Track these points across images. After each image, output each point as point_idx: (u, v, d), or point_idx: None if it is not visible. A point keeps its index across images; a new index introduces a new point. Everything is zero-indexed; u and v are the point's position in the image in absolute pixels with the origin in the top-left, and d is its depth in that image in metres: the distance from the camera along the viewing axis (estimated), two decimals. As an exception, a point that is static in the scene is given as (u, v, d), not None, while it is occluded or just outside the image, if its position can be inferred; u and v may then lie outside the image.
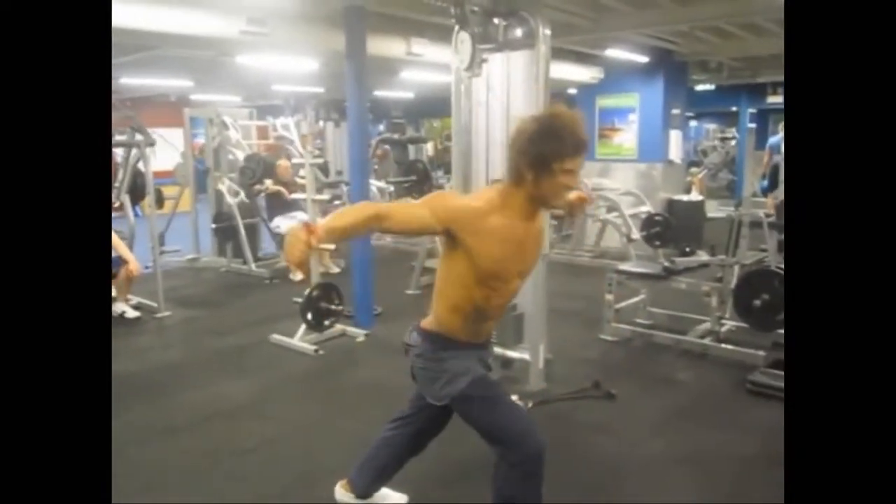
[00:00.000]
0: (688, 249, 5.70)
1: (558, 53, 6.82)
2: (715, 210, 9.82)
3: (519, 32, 3.75)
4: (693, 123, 17.33)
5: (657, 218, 7.17)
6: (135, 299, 5.75)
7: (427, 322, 2.17)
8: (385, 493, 2.62)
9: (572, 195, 2.16)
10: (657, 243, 7.05)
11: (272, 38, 5.05)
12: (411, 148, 10.11)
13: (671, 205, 8.29)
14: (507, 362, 3.94)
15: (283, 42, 5.42)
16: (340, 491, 2.62)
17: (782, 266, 4.40)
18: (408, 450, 2.47)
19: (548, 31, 3.60)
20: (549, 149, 1.84)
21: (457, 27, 3.70)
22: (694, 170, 13.51)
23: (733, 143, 15.52)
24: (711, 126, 17.22)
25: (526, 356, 3.87)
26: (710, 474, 3.04)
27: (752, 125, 15.40)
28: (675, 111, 8.69)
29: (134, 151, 5.77)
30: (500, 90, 3.80)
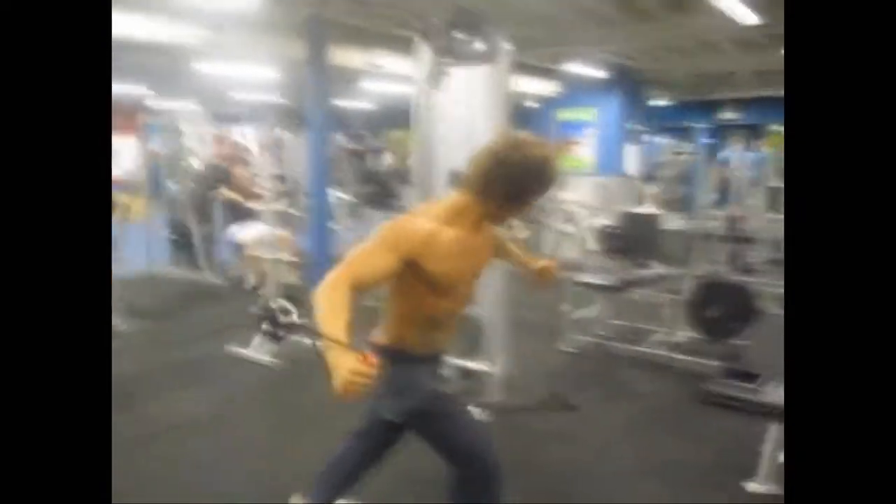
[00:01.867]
0: (644, 261, 5.79)
1: (519, 67, 6.91)
2: (670, 223, 10.00)
3: (480, 46, 3.78)
4: (649, 138, 17.69)
5: (614, 230, 7.28)
6: (85, 310, 5.59)
7: (377, 335, 2.11)
8: (343, 505, 2.60)
9: (542, 263, 2.25)
10: (614, 255, 7.15)
11: (231, 45, 5.01)
12: (372, 158, 10.09)
13: (628, 217, 8.42)
14: (466, 373, 3.94)
15: (243, 50, 5.37)
16: (298, 504, 2.59)
17: (733, 277, 4.52)
18: (364, 464, 2.44)
19: (508, 46, 3.65)
20: (532, 187, 1.82)
21: (418, 40, 3.72)
22: (650, 183, 13.80)
23: (688, 157, 15.87)
24: (667, 141, 17.59)
25: (485, 367, 3.89)
26: (667, 484, 3.09)
27: (706, 140, 15.81)
28: (632, 126, 8.88)
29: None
30: (461, 103, 3.82)
